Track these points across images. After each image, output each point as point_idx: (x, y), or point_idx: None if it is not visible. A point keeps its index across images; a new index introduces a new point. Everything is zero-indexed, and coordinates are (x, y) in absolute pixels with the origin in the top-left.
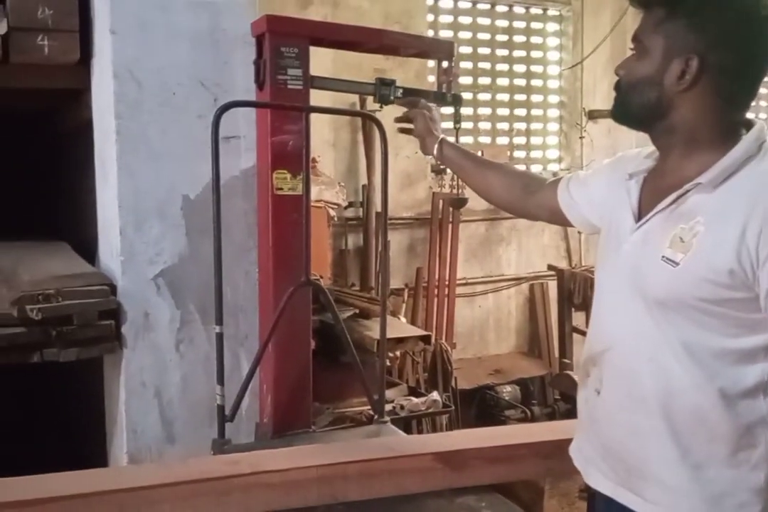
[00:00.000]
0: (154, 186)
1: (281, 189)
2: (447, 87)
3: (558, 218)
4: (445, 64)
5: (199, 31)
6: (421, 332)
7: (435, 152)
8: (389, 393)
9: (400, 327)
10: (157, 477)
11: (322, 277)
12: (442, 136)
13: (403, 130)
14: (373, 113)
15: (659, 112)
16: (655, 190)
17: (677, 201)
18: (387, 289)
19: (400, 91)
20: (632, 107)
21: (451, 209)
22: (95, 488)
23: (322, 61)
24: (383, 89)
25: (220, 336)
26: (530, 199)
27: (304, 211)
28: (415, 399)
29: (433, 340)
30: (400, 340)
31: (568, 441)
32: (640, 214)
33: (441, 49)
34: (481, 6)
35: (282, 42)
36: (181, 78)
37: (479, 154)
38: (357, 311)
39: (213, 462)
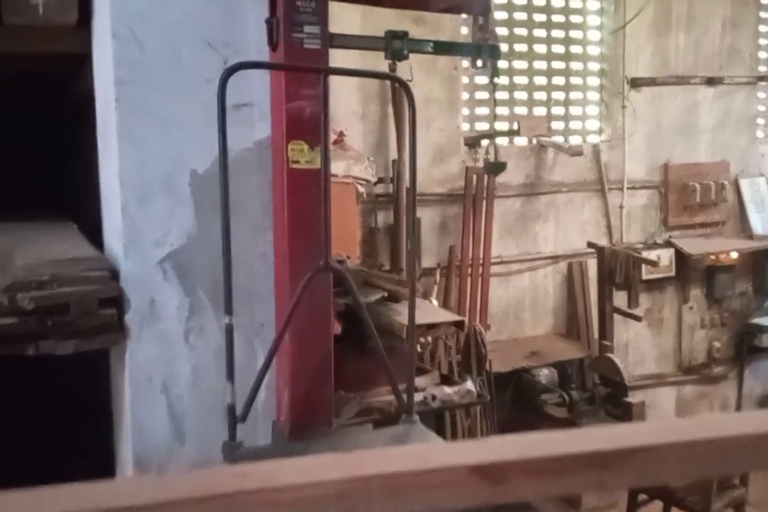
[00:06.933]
0: (160, 158)
1: (298, 162)
2: (483, 44)
3: None
4: (481, 19)
5: None
6: (453, 317)
7: None
8: (419, 381)
9: (431, 311)
10: (153, 494)
11: (350, 257)
12: None
13: None
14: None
15: None
16: None
17: None
18: (416, 277)
19: (430, 45)
20: None
21: (486, 183)
22: (78, 507)
23: (349, 26)
24: (395, 43)
25: (229, 329)
26: None
27: (323, 187)
28: (447, 389)
29: (466, 323)
30: (432, 326)
31: (630, 450)
32: None
33: (476, 3)
34: None
35: None
36: (188, 38)
37: (515, 125)
38: (385, 294)
39: (218, 475)
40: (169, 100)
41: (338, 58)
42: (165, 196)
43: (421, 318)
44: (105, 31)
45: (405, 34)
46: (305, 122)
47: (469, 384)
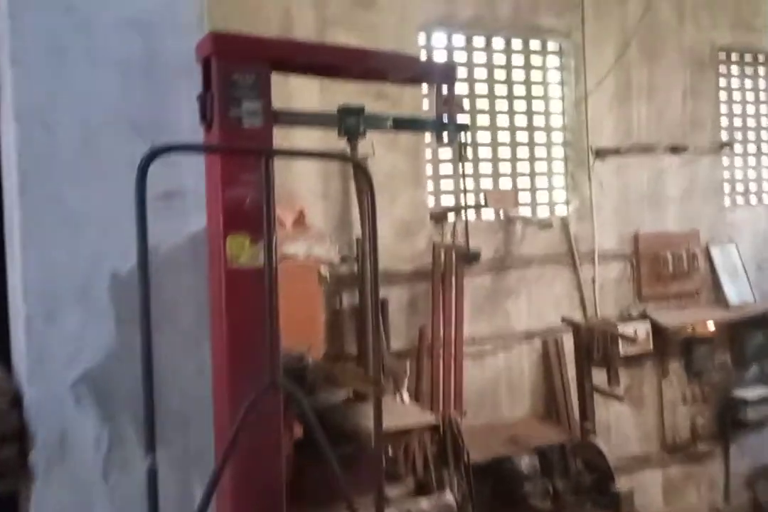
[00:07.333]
0: (72, 261)
1: (238, 258)
2: (448, 117)
3: None
4: (444, 91)
5: (129, 57)
6: (427, 419)
7: None
8: (391, 492)
9: (402, 412)
10: None
11: (312, 347)
12: None
13: None
14: (364, 159)
15: None
16: None
17: None
18: (381, 385)
19: (390, 121)
20: None
21: (454, 259)
22: None
23: (307, 101)
24: (350, 119)
25: (152, 472)
26: None
27: (268, 288)
28: (423, 503)
29: (441, 409)
30: (403, 432)
31: None
32: None
33: (439, 73)
34: (476, 42)
35: (234, 67)
36: (107, 118)
37: (482, 198)
38: (351, 394)
39: None
40: (83, 192)
41: (297, 135)
42: (78, 306)
43: (391, 422)
44: (7, 114)
45: (361, 109)
46: (246, 212)
47: (448, 496)
